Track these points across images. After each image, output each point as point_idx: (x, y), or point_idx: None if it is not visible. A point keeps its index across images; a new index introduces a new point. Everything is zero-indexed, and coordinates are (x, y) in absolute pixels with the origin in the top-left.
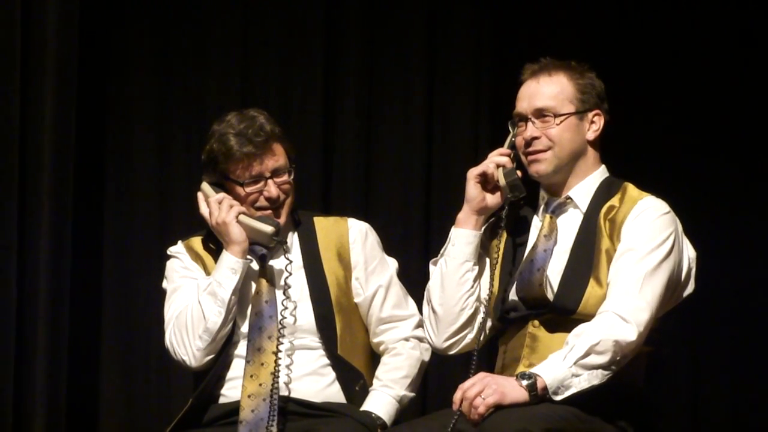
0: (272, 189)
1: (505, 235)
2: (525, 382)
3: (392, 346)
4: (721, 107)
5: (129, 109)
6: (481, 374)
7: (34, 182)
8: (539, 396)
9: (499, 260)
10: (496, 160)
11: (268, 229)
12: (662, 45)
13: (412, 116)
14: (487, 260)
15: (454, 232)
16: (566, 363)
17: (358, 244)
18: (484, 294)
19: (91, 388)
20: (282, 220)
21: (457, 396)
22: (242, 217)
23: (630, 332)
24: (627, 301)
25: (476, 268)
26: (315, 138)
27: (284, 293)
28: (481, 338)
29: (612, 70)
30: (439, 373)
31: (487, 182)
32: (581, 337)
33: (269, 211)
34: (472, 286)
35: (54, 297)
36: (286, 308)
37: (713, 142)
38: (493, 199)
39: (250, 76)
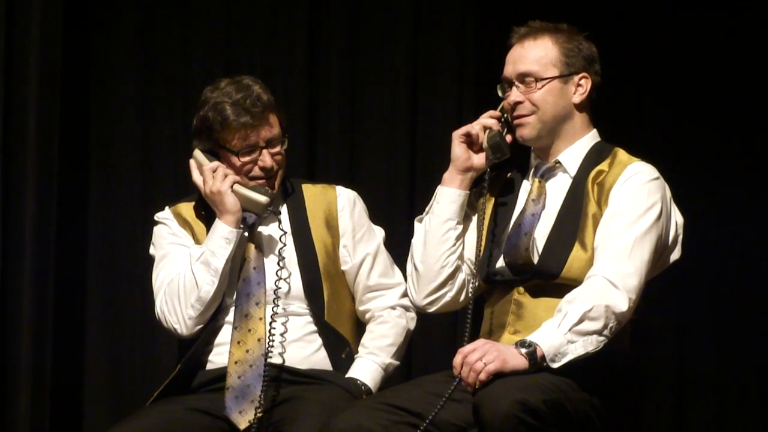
0: (267, 159)
1: (492, 197)
2: (524, 350)
3: (378, 314)
4: (711, 76)
5: (113, 76)
6: (482, 341)
7: (18, 150)
8: (538, 364)
9: (486, 221)
10: (483, 122)
11: (263, 199)
12: (652, 12)
13: (396, 84)
14: (474, 221)
15: (439, 190)
16: (561, 330)
17: (346, 212)
18: (468, 254)
19: (76, 354)
20: (275, 189)
21: (458, 360)
22: (237, 187)
23: (620, 298)
24: (616, 267)
25: (459, 227)
26: (299, 106)
27: (278, 263)
28: (462, 298)
29: (601, 38)
30: (424, 341)
31: (473, 143)
32: (573, 303)
33: (263, 181)
34: (454, 245)
35: (39, 265)
36: (280, 278)
37: (703, 110)
38: (479, 160)
39: (235, 42)
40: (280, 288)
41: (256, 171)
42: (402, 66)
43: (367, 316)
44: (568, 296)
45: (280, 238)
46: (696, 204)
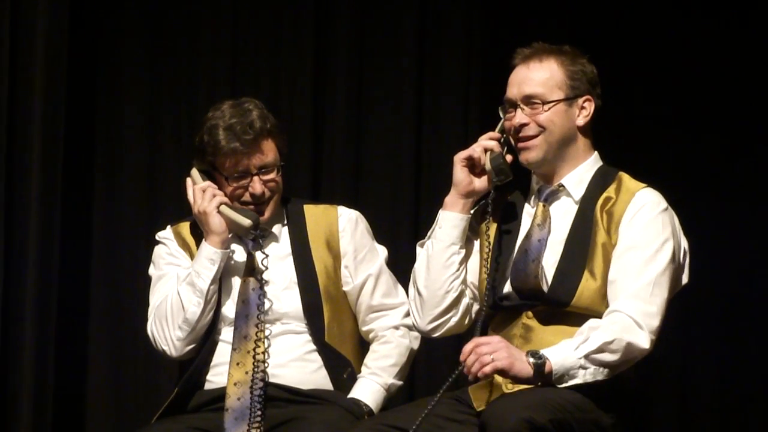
0: (257, 186)
1: (494, 221)
2: (533, 360)
3: (382, 334)
4: (714, 98)
5: (119, 92)
6: (497, 338)
7: (22, 168)
8: (543, 377)
9: (489, 245)
10: (484, 144)
11: (246, 222)
12: (655, 33)
13: (401, 103)
14: (476, 245)
15: (441, 215)
16: (578, 353)
17: (347, 233)
18: (470, 278)
19: (79, 371)
20: (267, 215)
21: (468, 347)
22: (223, 208)
23: (643, 339)
24: (640, 307)
25: (462, 251)
26: (305, 125)
27: (261, 288)
28: (466, 322)
29: (603, 58)
30: (427, 361)
31: (474, 166)
32: (597, 330)
33: (253, 206)
34: (458, 269)
35: (42, 283)
36: (262, 303)
37: (705, 133)
38: (480, 183)
39: (240, 61)
40: (262, 313)
41: (247, 197)
42: (407, 87)
43: (371, 336)
44: (593, 323)
45: (261, 262)
46: (700, 225)
